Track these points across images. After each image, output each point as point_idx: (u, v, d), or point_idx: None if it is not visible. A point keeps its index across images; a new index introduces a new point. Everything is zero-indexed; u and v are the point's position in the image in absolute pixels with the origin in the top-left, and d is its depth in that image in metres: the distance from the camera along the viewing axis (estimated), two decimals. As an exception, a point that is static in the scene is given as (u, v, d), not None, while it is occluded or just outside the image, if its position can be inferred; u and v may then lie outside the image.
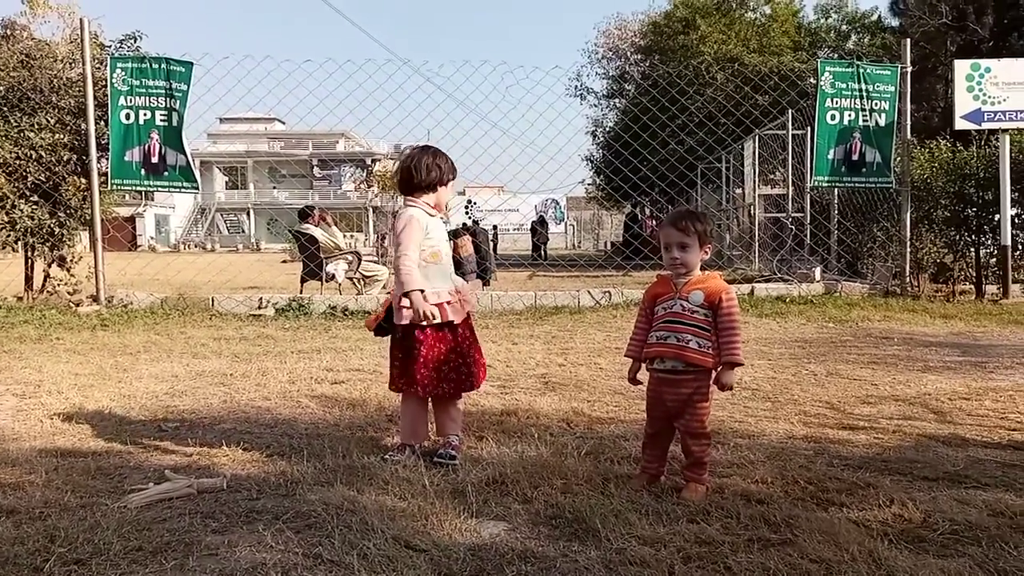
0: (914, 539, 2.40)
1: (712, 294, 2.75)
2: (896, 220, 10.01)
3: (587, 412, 4.07)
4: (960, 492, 2.81)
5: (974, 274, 9.90)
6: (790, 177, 13.50)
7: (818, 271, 10.89)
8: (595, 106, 36.15)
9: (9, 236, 9.45)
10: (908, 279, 9.65)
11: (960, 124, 9.49)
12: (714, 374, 2.79)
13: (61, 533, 2.45)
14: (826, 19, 30.32)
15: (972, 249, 9.95)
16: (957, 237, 9.99)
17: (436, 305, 3.19)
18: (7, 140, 9.05)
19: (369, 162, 58.09)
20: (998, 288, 9.53)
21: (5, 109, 9.33)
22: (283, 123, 58.40)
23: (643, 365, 2.93)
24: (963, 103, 9.41)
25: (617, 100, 34.12)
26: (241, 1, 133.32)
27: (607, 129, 32.49)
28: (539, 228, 31.59)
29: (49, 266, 9.72)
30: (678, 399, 2.80)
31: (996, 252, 9.81)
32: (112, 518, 2.59)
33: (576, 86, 35.23)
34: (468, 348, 3.35)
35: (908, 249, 9.61)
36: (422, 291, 3.15)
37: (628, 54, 34.23)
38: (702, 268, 2.88)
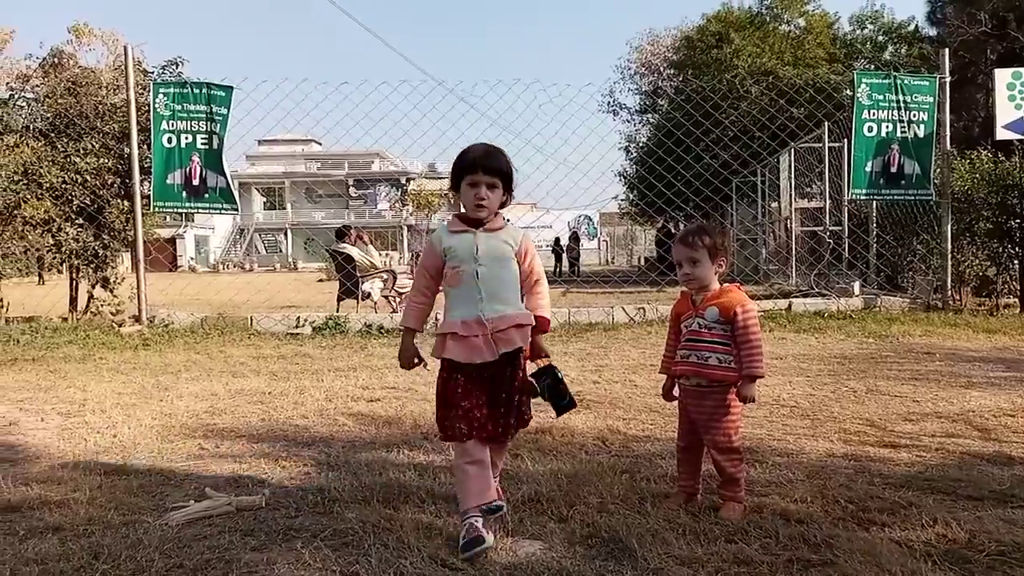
0: (959, 560, 2.34)
1: (727, 309, 2.75)
2: (936, 233, 9.84)
3: (622, 430, 4.05)
4: (1006, 512, 2.75)
5: (1018, 287, 9.67)
6: (827, 190, 13.33)
7: (857, 285, 10.72)
8: (628, 121, 36.19)
9: (55, 258, 9.71)
10: (950, 293, 9.46)
11: (1002, 134, 9.32)
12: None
13: (105, 550, 2.50)
14: (862, 30, 30.01)
15: (1016, 261, 9.73)
16: (1000, 249, 9.77)
17: (442, 336, 2.69)
18: (54, 165, 9.32)
19: (404, 181, 58.63)
20: (1044, 301, 9.31)
21: (52, 135, 9.62)
22: (320, 144, 59.30)
23: (676, 381, 2.93)
24: (1004, 112, 9.25)
25: (650, 115, 34.08)
26: (283, 27, 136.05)
27: (640, 144, 32.44)
28: (572, 244, 31.65)
29: (93, 287, 9.96)
30: (702, 412, 2.81)
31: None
32: (154, 535, 2.64)
33: (609, 102, 35.33)
34: (479, 393, 2.67)
35: (949, 262, 9.44)
36: (415, 330, 2.80)
37: (661, 69, 34.23)
38: (730, 281, 2.88)
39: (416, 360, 2.77)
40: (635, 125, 35.78)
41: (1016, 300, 9.62)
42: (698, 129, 11.99)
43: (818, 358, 6.37)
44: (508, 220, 2.82)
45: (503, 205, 2.76)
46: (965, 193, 9.79)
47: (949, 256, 9.43)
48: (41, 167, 9.23)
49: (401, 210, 57.51)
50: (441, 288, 2.77)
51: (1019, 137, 9.36)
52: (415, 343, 2.79)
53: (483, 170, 2.67)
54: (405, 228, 56.50)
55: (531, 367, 2.77)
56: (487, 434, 2.65)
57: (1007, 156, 9.86)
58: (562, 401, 2.77)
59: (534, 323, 2.71)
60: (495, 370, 2.67)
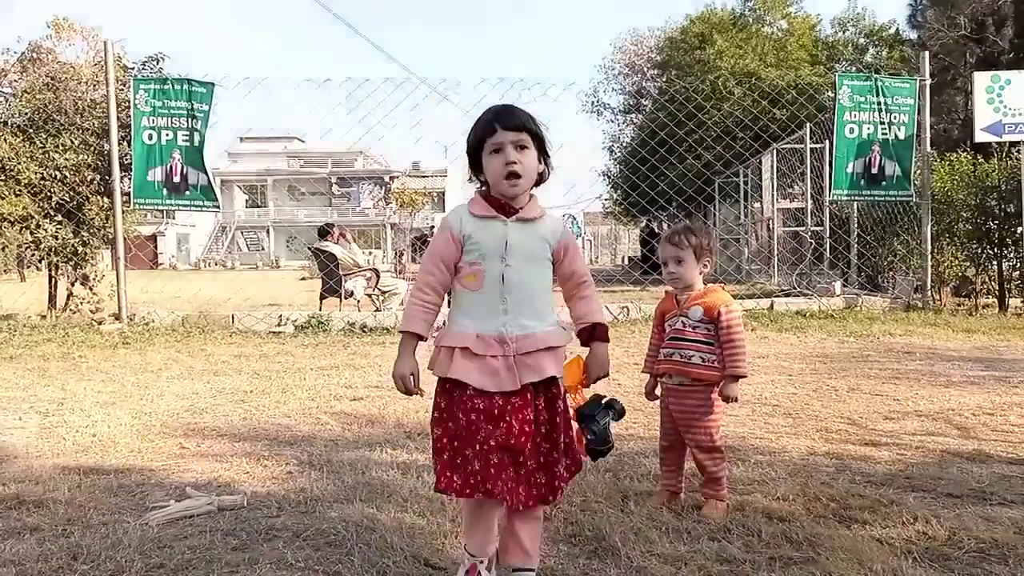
0: (939, 557, 2.37)
1: (711, 308, 2.76)
2: (917, 233, 9.94)
3: (606, 429, 4.05)
4: (986, 509, 2.77)
5: (996, 287, 9.79)
6: (809, 191, 13.44)
7: (838, 285, 10.81)
8: (612, 121, 36.38)
9: (34, 255, 9.60)
10: (929, 293, 9.56)
11: (980, 136, 9.43)
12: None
13: (84, 550, 2.47)
14: (843, 32, 30.28)
15: (994, 262, 9.85)
16: (979, 250, 9.89)
17: (447, 348, 2.08)
18: (33, 161, 9.21)
19: (387, 179, 58.50)
20: (1021, 301, 9.43)
21: (31, 131, 9.50)
22: (303, 141, 59.03)
23: (659, 380, 2.94)
24: (983, 115, 9.35)
25: (634, 115, 34.23)
26: (269, 25, 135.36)
27: (624, 144, 32.58)
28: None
29: (72, 285, 9.84)
30: (684, 411, 2.82)
31: (1019, 265, 9.71)
32: (134, 535, 2.61)
33: (593, 102, 35.48)
34: (523, 439, 2.06)
35: (929, 262, 9.54)
36: (419, 336, 2.11)
37: (645, 69, 34.39)
38: (713, 281, 2.90)
39: (414, 384, 2.10)
40: (619, 125, 35.98)
41: (994, 300, 9.74)
42: (681, 130, 12.05)
43: (800, 357, 6.41)
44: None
45: (541, 179, 2.15)
46: (945, 194, 9.90)
47: (929, 256, 9.53)
48: (19, 163, 9.12)
49: (384, 208, 57.36)
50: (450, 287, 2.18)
51: (997, 139, 9.47)
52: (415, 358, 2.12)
53: (503, 127, 2.06)
54: (388, 226, 56.38)
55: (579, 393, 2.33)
56: (496, 495, 2.02)
57: (986, 158, 9.98)
58: (604, 446, 2.29)
59: (571, 340, 2.16)
60: (516, 407, 2.06)
